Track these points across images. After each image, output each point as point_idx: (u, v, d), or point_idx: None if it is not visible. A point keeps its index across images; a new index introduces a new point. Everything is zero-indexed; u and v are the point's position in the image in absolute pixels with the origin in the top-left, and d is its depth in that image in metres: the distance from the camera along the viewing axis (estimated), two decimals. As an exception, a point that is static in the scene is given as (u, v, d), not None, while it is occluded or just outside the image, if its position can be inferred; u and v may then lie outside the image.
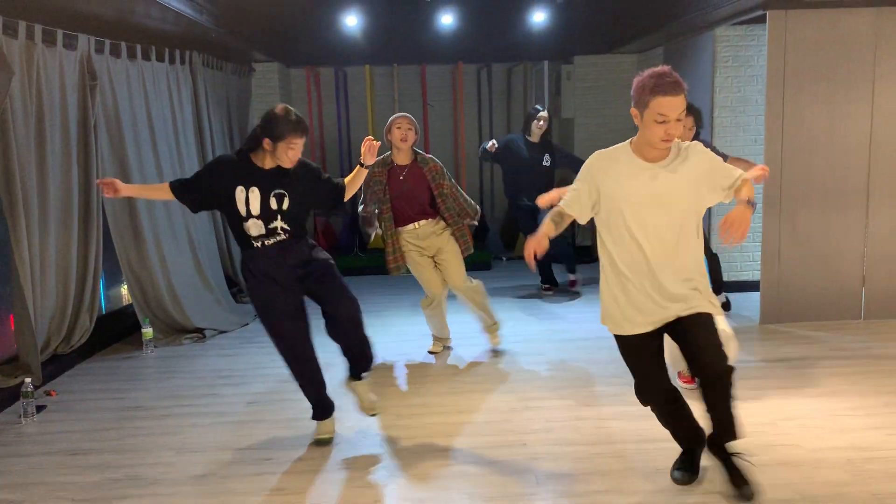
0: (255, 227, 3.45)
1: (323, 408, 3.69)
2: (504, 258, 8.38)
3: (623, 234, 2.85)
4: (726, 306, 5.79)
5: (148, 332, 5.23)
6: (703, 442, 3.09)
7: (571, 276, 6.77)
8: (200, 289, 5.87)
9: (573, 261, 6.80)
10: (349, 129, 8.79)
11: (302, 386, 3.65)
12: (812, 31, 5.32)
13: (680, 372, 4.15)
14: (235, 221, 3.48)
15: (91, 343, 5.08)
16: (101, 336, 5.26)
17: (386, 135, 4.74)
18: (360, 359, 3.74)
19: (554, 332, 5.45)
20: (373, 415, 3.85)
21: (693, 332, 2.83)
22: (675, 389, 3.09)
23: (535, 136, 6.52)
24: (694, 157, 2.84)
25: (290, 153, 3.40)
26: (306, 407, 4.14)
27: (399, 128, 4.65)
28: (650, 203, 2.80)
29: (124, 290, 5.82)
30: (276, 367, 4.83)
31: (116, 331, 5.56)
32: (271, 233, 3.46)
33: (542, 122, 6.48)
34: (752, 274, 6.40)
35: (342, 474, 3.31)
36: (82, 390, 4.52)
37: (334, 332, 3.63)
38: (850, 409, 3.87)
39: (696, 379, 2.95)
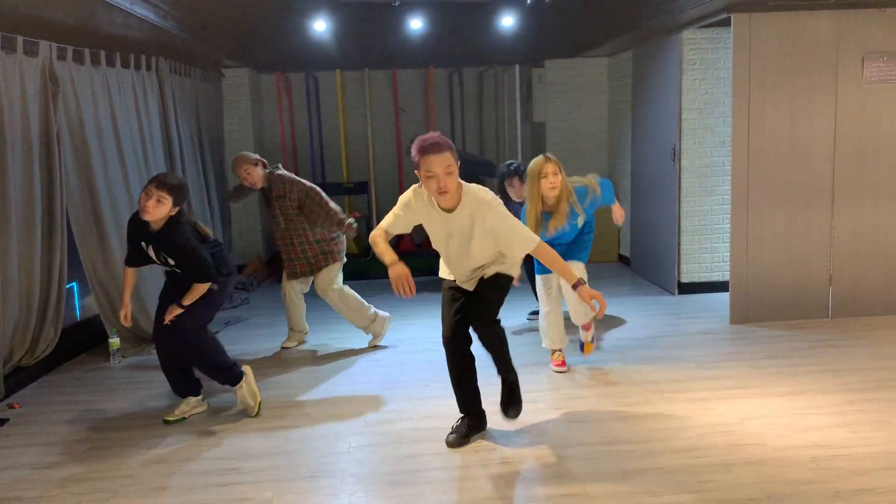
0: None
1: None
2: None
3: None
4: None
5: (115, 342, 5.15)
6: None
7: None
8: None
9: None
10: (321, 135, 8.76)
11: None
12: (776, 34, 5.38)
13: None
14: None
15: (57, 354, 5.00)
16: (67, 347, 5.17)
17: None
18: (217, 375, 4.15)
19: (527, 336, 5.44)
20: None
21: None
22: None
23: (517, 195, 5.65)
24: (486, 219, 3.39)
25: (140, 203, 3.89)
26: (271, 416, 4.12)
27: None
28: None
29: (94, 299, 5.73)
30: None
31: (83, 341, 5.48)
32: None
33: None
34: (722, 274, 6.46)
35: (309, 483, 3.28)
36: (47, 402, 4.45)
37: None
38: (815, 408, 3.91)
39: None
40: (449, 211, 3.40)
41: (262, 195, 5.58)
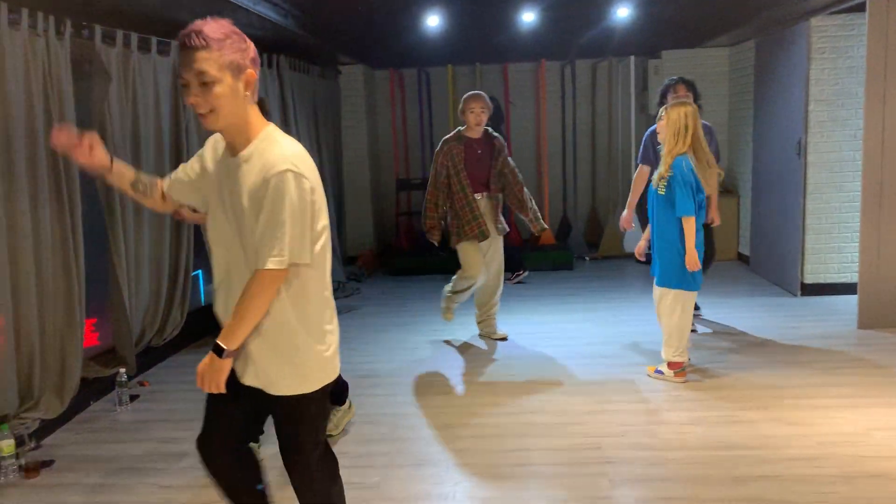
0: None
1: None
2: (587, 258, 8.25)
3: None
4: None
5: (233, 326, 5.40)
6: None
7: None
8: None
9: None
10: (432, 130, 8.85)
11: None
12: (917, 19, 5.00)
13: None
14: None
15: (182, 336, 5.31)
16: (192, 330, 5.48)
17: (461, 115, 5.02)
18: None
19: (638, 335, 5.31)
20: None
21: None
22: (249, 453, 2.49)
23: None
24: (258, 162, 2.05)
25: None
26: (381, 404, 4.20)
27: (472, 112, 4.94)
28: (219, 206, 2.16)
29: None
30: (358, 363, 4.92)
31: (206, 325, 5.77)
32: None
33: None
34: (851, 276, 6.07)
35: (414, 471, 3.34)
36: (173, 381, 4.74)
37: None
38: (952, 421, 3.62)
39: None
40: (233, 155, 2.12)
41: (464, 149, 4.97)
